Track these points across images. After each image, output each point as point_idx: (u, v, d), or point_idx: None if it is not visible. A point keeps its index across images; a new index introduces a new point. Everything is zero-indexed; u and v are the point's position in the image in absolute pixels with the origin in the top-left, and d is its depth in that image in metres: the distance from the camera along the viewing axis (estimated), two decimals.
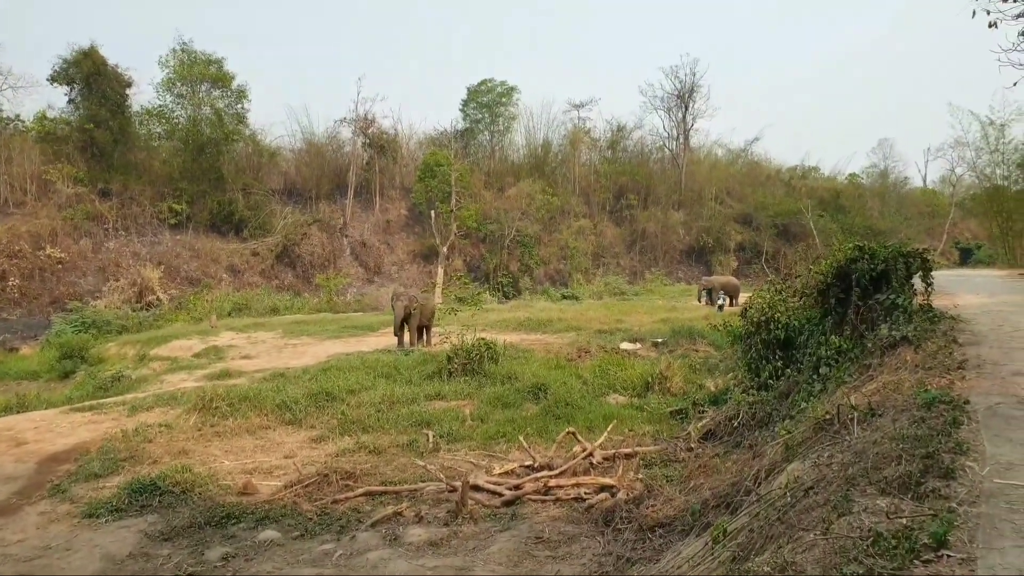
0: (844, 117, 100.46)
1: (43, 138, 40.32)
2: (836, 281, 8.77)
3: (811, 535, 3.11)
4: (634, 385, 12.37)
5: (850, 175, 57.89)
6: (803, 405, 8.10)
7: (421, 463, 7.85)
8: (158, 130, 44.84)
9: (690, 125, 54.23)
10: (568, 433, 8.80)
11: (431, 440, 9.42)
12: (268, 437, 9.98)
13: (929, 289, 8.61)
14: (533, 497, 7.06)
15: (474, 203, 43.58)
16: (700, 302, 29.56)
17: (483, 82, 50.72)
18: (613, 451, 8.50)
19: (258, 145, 46.80)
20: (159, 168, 42.65)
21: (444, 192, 40.64)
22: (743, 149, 57.43)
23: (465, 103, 51.10)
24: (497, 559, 5.71)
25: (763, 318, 9.78)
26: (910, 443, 3.89)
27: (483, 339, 13.59)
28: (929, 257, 8.67)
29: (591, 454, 8.23)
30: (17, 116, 43.36)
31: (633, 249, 48.21)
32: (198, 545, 6.31)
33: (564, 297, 37.59)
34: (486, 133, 51.38)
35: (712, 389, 12.12)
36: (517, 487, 7.31)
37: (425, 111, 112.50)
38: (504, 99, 50.62)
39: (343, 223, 45.84)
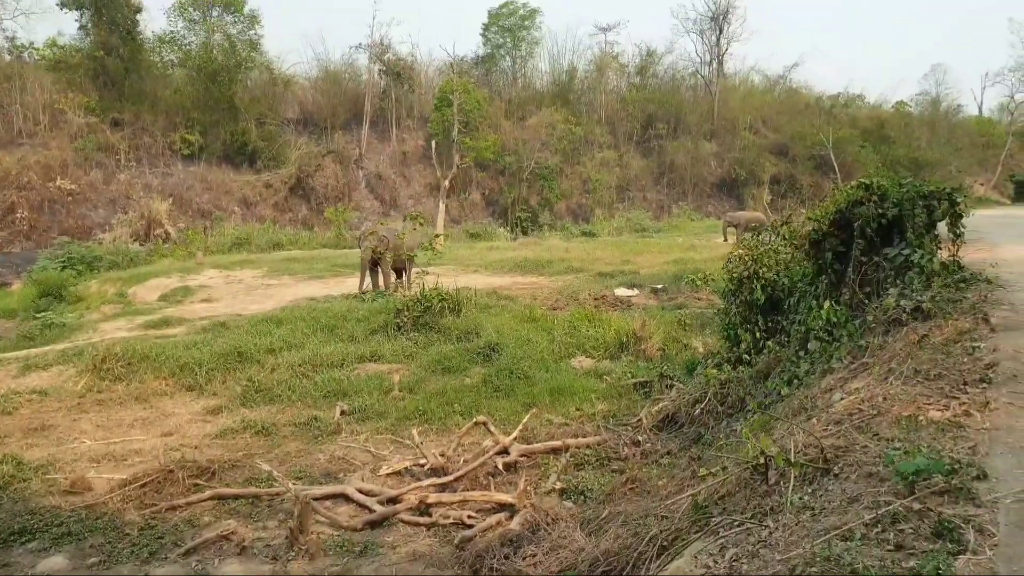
0: (894, 41, 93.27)
1: (55, 66, 39.26)
2: (834, 230, 6.72)
3: None
4: (607, 345, 10.59)
5: (897, 103, 53.64)
6: (784, 391, 6.27)
7: (267, 467, 6.28)
8: (170, 58, 43.49)
9: (724, 50, 50.72)
10: (476, 424, 7.11)
11: (336, 418, 7.86)
12: (159, 407, 8.56)
13: (958, 242, 6.51)
14: (406, 518, 5.45)
15: (493, 133, 41.34)
16: (725, 240, 27.34)
17: (505, 4, 47.72)
18: (539, 444, 6.81)
19: (272, 73, 44.98)
20: (171, 98, 41.25)
21: (462, 122, 38.47)
22: (781, 76, 53.47)
23: (486, 27, 48.28)
24: None
25: (746, 272, 7.84)
26: None
27: (436, 289, 11.86)
28: (959, 198, 6.51)
29: (505, 450, 6.56)
30: (31, 43, 42.35)
31: (660, 182, 45.46)
32: None
33: (583, 234, 35.53)
34: (508, 59, 48.51)
35: (700, 350, 10.31)
36: (393, 500, 5.70)
37: (445, 36, 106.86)
38: (527, 22, 47.65)
39: (358, 154, 44.05)
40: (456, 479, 5.98)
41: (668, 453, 6.44)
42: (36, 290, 21.33)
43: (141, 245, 32.93)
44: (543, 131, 42.07)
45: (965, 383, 3.85)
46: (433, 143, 35.32)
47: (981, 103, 62.08)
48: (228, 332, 11.67)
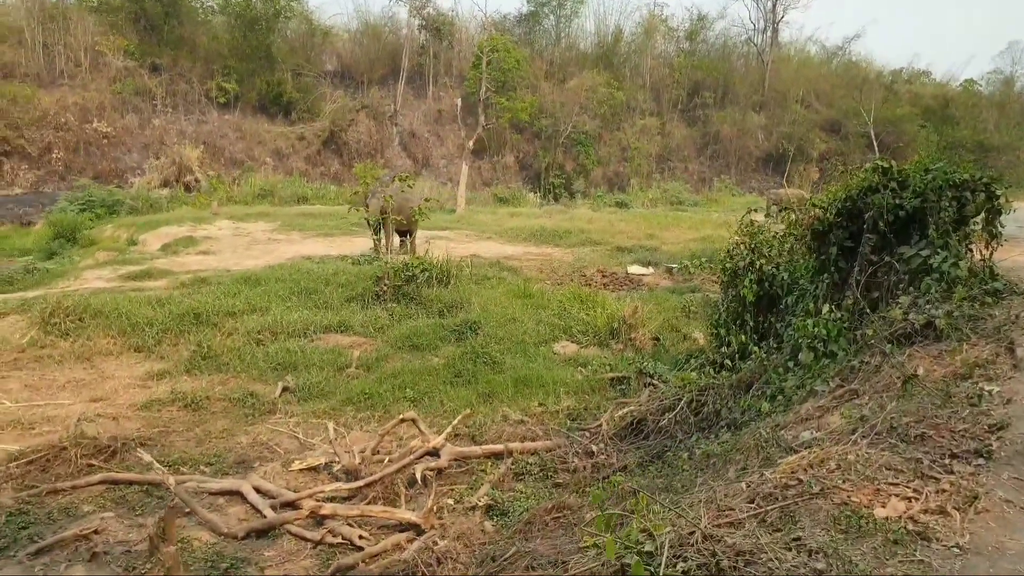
0: (968, 14, 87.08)
1: (96, 8, 39.20)
2: (842, 220, 5.66)
3: None
4: (596, 330, 9.66)
5: (966, 81, 49.82)
6: (764, 407, 5.34)
7: (147, 457, 5.54)
8: (210, 4, 43.08)
9: (780, 17, 48.19)
10: (402, 420, 6.28)
11: (276, 396, 7.18)
12: (100, 368, 7.98)
13: (993, 244, 5.39)
14: (294, 529, 4.70)
15: (531, 94, 40.04)
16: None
17: None
18: (476, 447, 5.99)
19: (311, 24, 44.25)
20: (209, 44, 40.98)
21: (499, 81, 37.24)
22: (840, 47, 50.71)
23: None
24: None
25: (742, 263, 6.83)
26: None
27: (419, 258, 11.04)
28: (998, 190, 5.40)
29: (434, 451, 5.76)
30: None
31: (704, 153, 43.61)
32: None
33: (616, 204, 34.23)
34: (551, 18, 46.75)
35: (701, 342, 9.35)
36: (290, 504, 4.97)
37: None
38: None
39: (393, 111, 43.24)
40: (367, 485, 5.21)
41: (624, 468, 5.57)
42: (51, 231, 21.29)
43: (171, 190, 32.93)
44: (583, 94, 40.62)
45: (954, 454, 2.86)
46: (458, 101, 34.30)
47: None
48: (205, 289, 11.07)
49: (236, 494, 5.14)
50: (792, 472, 2.99)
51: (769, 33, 48.40)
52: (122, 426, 6.36)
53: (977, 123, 44.11)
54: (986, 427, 3.04)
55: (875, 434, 3.19)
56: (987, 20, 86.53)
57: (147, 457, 5.41)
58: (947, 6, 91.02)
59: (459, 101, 34.37)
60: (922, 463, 2.84)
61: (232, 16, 40.86)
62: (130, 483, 5.38)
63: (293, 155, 40.23)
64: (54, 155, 34.32)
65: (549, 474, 5.66)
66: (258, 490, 5.14)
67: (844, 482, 2.77)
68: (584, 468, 5.62)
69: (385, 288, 10.51)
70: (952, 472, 2.77)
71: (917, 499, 2.60)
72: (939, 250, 5.15)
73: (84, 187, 28.69)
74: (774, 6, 47.73)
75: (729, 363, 6.34)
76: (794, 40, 51.60)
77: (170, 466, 5.70)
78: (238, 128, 40.04)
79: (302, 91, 41.42)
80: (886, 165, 5.51)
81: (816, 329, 5.17)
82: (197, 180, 35.00)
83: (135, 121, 37.58)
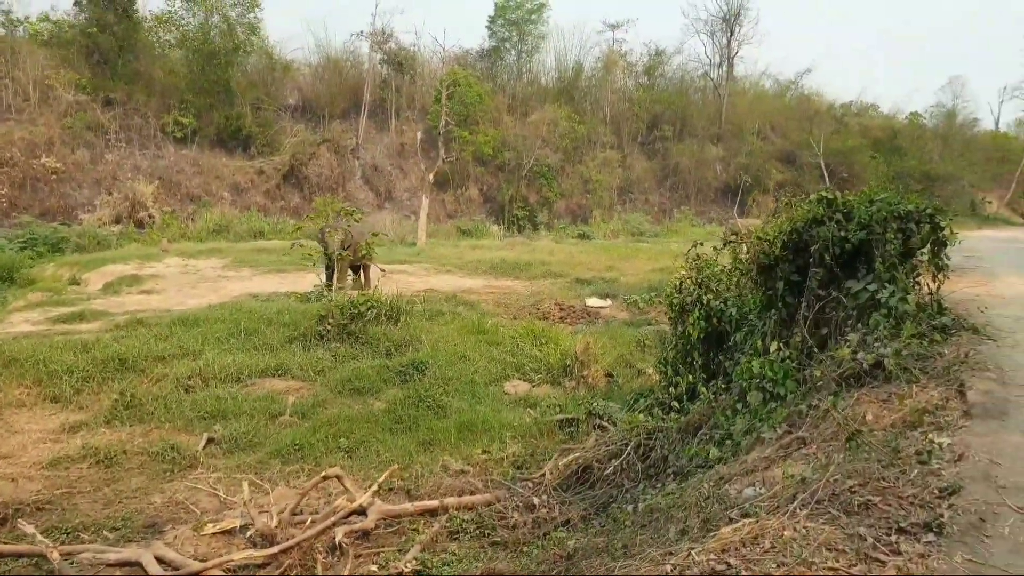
0: (913, 51, 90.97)
1: (47, 42, 38.42)
2: (788, 254, 5.44)
3: None
4: (550, 367, 9.33)
5: (911, 114, 51.75)
6: (713, 453, 5.02)
7: (30, 528, 4.98)
8: (167, 38, 42.53)
9: (735, 52, 49.43)
10: (325, 478, 5.81)
11: (200, 448, 6.67)
12: (9, 422, 7.38)
13: (940, 276, 5.20)
14: None
15: (493, 128, 40.17)
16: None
17: None
18: (407, 505, 5.54)
19: (271, 58, 43.93)
20: (165, 79, 40.22)
21: (462, 115, 37.28)
22: (792, 81, 52.06)
23: (492, 20, 47.10)
24: None
25: (690, 299, 6.58)
26: None
27: (364, 294, 10.64)
28: (943, 222, 5.22)
29: (361, 510, 5.31)
30: (26, 18, 41.51)
31: (664, 185, 44.09)
32: None
33: (579, 235, 34.27)
34: (513, 53, 47.26)
35: (656, 378, 9.05)
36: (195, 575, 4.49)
37: (451, 28, 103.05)
38: (534, 16, 46.46)
39: (355, 144, 42.94)
40: (283, 551, 4.74)
41: (567, 523, 5.19)
42: None
43: (124, 227, 32.09)
44: (545, 128, 40.90)
45: (901, 528, 2.54)
46: (419, 135, 34.27)
47: (998, 117, 59.98)
48: (138, 331, 10.47)
49: (136, 565, 4.64)
50: (723, 551, 2.64)
51: (725, 68, 49.56)
52: (21, 488, 5.79)
53: (923, 154, 45.53)
54: (936, 491, 2.72)
55: (816, 502, 2.85)
56: (929, 57, 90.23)
57: (29, 528, 4.86)
58: (892, 44, 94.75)
59: (420, 134, 34.26)
60: (866, 540, 2.51)
61: (190, 50, 40.35)
62: (17, 556, 4.83)
63: (252, 189, 39.55)
64: None
65: (487, 531, 5.24)
66: (161, 560, 4.63)
67: (778, 567, 2.42)
68: (524, 524, 5.22)
69: (329, 327, 10.05)
70: (899, 552, 2.43)
71: None
72: (886, 284, 4.94)
73: (24, 224, 27.64)
74: (729, 42, 48.98)
75: (677, 404, 6.04)
76: (749, 74, 52.87)
77: (69, 533, 5.18)
78: (195, 163, 39.29)
79: (262, 125, 40.87)
80: (830, 196, 5.31)
81: (763, 370, 4.91)
82: (151, 216, 34.13)
83: (86, 156, 36.56)
